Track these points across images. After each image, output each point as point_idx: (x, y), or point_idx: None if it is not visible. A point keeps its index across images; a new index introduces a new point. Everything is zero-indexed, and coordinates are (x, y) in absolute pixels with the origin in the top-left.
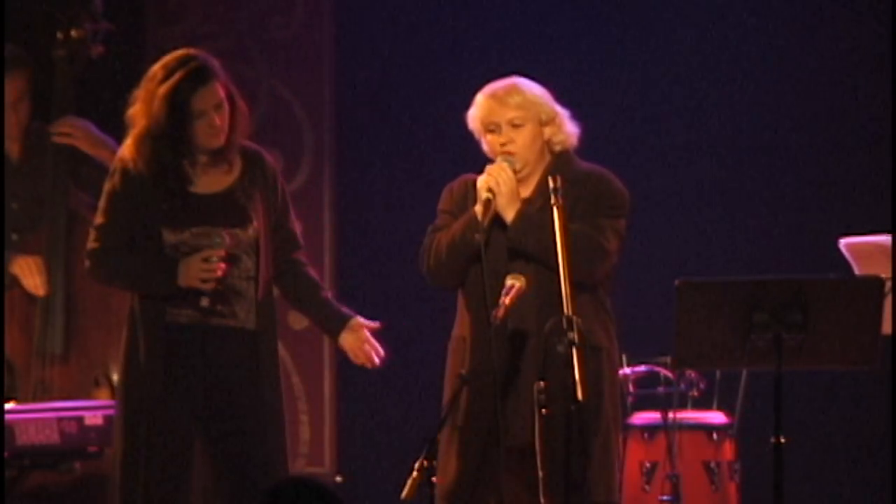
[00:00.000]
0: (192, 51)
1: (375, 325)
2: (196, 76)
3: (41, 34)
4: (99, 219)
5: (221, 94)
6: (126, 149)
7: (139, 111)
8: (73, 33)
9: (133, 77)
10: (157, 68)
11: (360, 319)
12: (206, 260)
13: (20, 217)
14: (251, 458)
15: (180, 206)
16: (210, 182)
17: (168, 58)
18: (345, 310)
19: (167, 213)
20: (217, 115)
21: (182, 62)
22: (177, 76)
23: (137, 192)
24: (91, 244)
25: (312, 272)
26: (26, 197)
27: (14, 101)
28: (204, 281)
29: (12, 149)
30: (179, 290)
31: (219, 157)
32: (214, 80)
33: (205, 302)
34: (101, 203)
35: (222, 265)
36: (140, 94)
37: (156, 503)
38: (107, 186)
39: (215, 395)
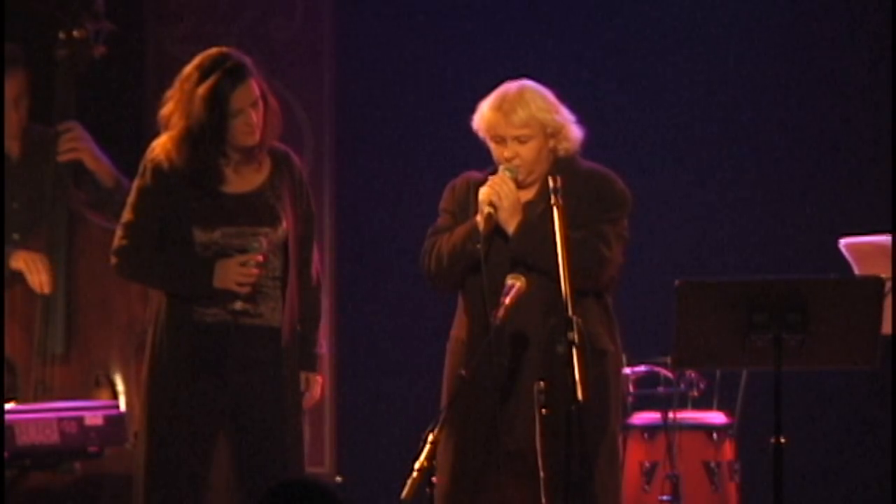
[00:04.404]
0: (224, 49)
1: (315, 398)
2: (233, 74)
3: (43, 34)
4: (127, 216)
5: (257, 91)
6: (159, 147)
7: (176, 112)
8: (76, 33)
9: (133, 77)
10: (190, 69)
11: (316, 381)
12: (243, 264)
13: (21, 217)
14: (269, 456)
15: (211, 206)
16: (241, 181)
17: (201, 58)
18: (321, 350)
19: (198, 212)
20: (253, 112)
21: (218, 61)
22: (215, 75)
23: (169, 190)
24: (119, 241)
25: (318, 302)
26: (27, 197)
27: (14, 99)
28: (240, 284)
29: (12, 147)
30: (213, 291)
31: (251, 155)
32: (250, 78)
33: (238, 305)
34: (130, 200)
35: (257, 270)
36: (174, 95)
37: (178, 500)
38: (137, 184)
39: (239, 392)
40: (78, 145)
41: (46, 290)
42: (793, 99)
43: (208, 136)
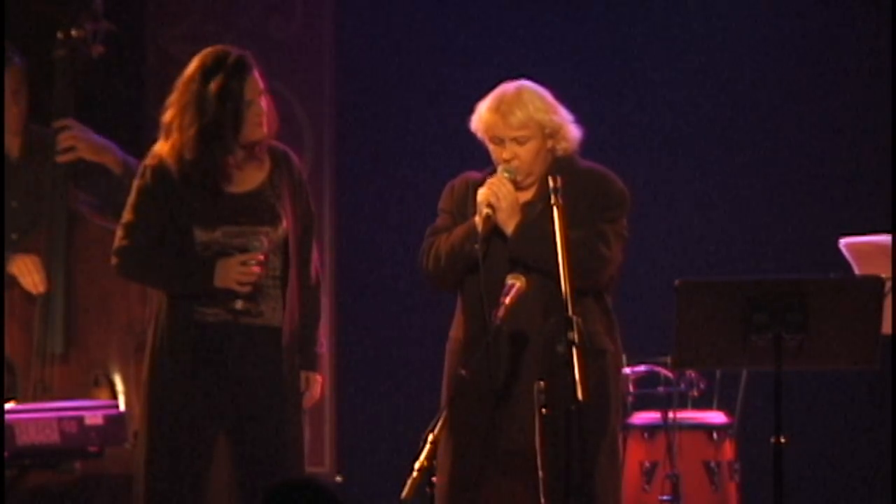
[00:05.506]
0: (220, 46)
1: (315, 397)
2: (240, 67)
3: (41, 34)
4: (128, 216)
5: (261, 81)
6: (162, 148)
7: (184, 115)
8: (74, 33)
9: (132, 77)
10: (192, 71)
11: (316, 380)
12: (244, 263)
13: (20, 216)
14: (269, 456)
15: (212, 205)
16: (242, 180)
17: (201, 59)
18: (321, 349)
19: (199, 211)
20: (262, 102)
21: (220, 58)
22: (223, 71)
23: (170, 190)
24: (120, 241)
25: (318, 301)
26: (26, 196)
27: (12, 92)
28: (241, 283)
29: (12, 145)
30: (214, 291)
31: (254, 152)
32: (254, 69)
33: (239, 304)
34: (131, 200)
35: (258, 269)
36: (178, 99)
37: (178, 499)
38: (137, 183)
39: (239, 392)
40: (76, 143)
41: (41, 288)
42: (793, 99)
43: (226, 131)
